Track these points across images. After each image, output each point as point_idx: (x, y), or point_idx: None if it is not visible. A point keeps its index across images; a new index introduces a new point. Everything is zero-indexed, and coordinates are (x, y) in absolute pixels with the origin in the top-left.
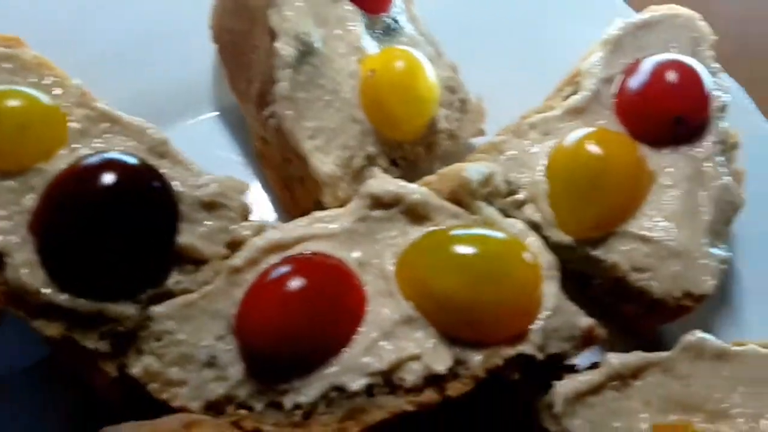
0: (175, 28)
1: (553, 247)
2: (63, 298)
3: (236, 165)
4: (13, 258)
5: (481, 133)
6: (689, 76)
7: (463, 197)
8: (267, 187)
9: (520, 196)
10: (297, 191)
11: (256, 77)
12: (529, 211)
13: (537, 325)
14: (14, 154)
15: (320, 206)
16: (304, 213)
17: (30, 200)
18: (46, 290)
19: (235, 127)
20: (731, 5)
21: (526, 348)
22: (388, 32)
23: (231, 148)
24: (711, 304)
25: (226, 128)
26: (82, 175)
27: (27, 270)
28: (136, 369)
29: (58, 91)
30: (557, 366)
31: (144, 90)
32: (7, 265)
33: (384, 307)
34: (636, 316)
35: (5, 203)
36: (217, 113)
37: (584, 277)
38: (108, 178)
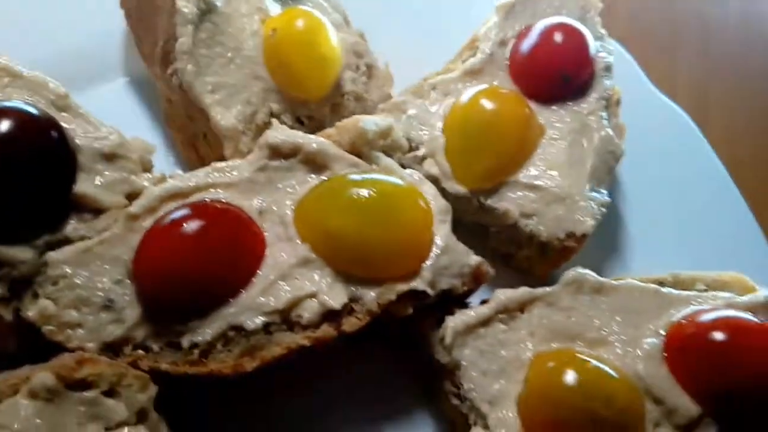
0: None
1: (451, 198)
2: None
3: (145, 129)
4: None
5: (389, 97)
6: (575, 37)
7: (361, 148)
8: (175, 150)
9: (420, 151)
10: (201, 149)
11: (161, 37)
12: (428, 165)
13: (428, 263)
14: None
15: None
16: None
17: None
18: None
19: (144, 94)
20: None
21: (417, 284)
22: None
23: (140, 113)
24: (596, 248)
25: (135, 95)
26: None
27: None
28: (31, 312)
29: None
30: (449, 302)
31: (53, 55)
32: None
33: (282, 251)
34: (530, 261)
35: None
36: (127, 79)
37: (482, 228)
38: (4, 124)
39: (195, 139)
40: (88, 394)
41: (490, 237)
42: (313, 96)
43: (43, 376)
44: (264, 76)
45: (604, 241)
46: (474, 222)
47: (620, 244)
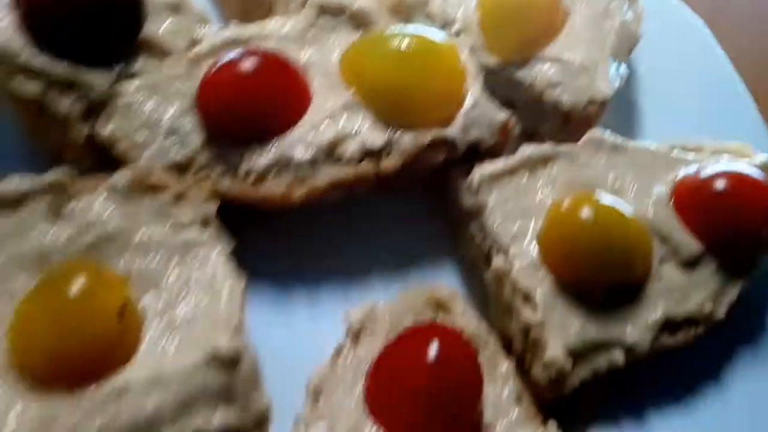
0: None
1: (484, 71)
2: (41, 60)
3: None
4: None
5: None
6: None
7: (402, 10)
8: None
9: (455, 27)
10: (255, 13)
11: None
12: (463, 38)
13: (460, 113)
14: None
15: None
16: None
17: None
18: (24, 52)
19: None
20: None
21: (450, 131)
22: None
23: None
24: (612, 122)
25: None
26: None
27: (6, 33)
28: (105, 131)
29: None
30: (481, 155)
31: None
32: None
33: (328, 97)
34: (553, 134)
35: None
36: None
37: (511, 104)
38: None
39: (246, 4)
40: (161, 197)
41: (517, 114)
42: None
43: (123, 175)
44: None
45: (620, 118)
46: (502, 98)
47: (634, 122)
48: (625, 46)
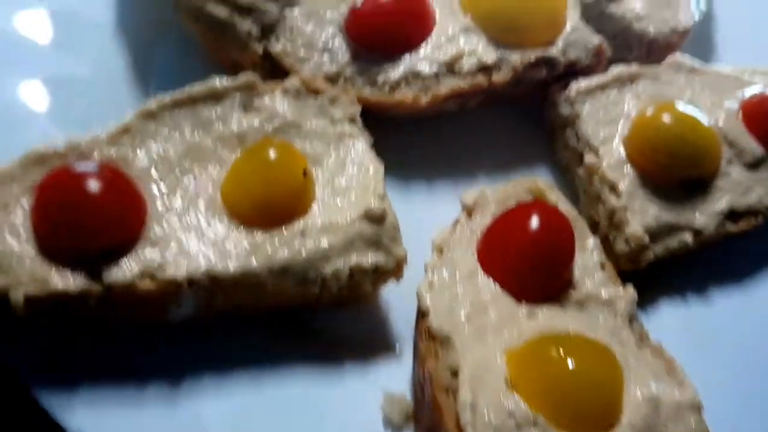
0: None
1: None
2: None
3: None
4: None
5: None
6: None
7: None
8: None
9: None
10: None
11: None
12: None
13: (561, 36)
14: None
15: None
16: None
17: None
18: None
19: None
20: None
21: (551, 51)
22: None
23: None
24: (693, 47)
25: None
26: None
27: None
28: (276, 48)
29: None
30: (576, 74)
31: None
32: None
33: (449, 20)
34: (640, 62)
35: None
36: None
37: (600, 34)
38: None
39: None
40: (321, 98)
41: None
42: None
43: (293, 79)
44: None
45: (698, 46)
46: (593, 30)
47: (710, 49)
48: None
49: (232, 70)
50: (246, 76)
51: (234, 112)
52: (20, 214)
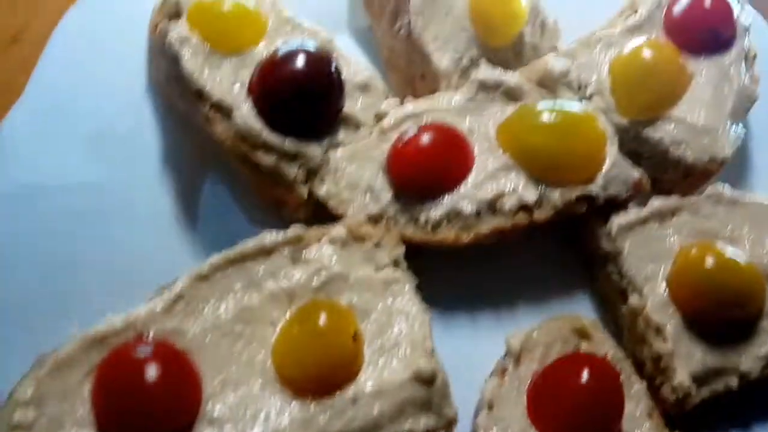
0: None
1: (614, 129)
2: (274, 138)
3: None
4: (240, 110)
5: (555, 49)
6: (722, 2)
7: (547, 83)
8: (391, 87)
9: (589, 90)
10: (418, 86)
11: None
12: (596, 101)
13: (601, 172)
14: (233, 41)
15: None
16: None
17: (245, 74)
18: (263, 133)
19: (362, 44)
20: None
21: (592, 189)
22: None
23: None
24: (729, 174)
25: (356, 45)
26: (285, 56)
27: (249, 118)
28: (321, 191)
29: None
30: (615, 205)
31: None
32: (235, 116)
33: (488, 159)
34: (674, 183)
35: (228, 75)
36: (348, 33)
37: (635, 156)
38: (302, 58)
39: (412, 79)
40: (366, 245)
41: (642, 163)
42: (503, 43)
43: (339, 229)
44: (468, 28)
45: (736, 170)
46: (629, 150)
47: (748, 174)
48: (743, 107)
49: (277, 205)
50: (294, 230)
51: (283, 267)
52: (81, 402)
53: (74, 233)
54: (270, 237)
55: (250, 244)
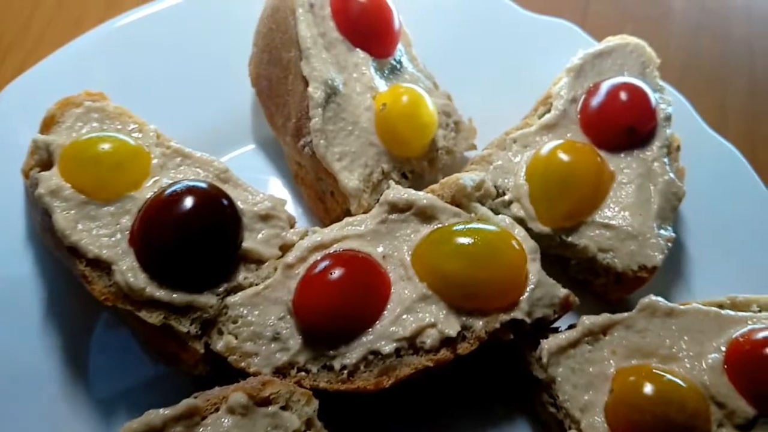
0: (218, 76)
1: (535, 236)
2: (161, 293)
3: (275, 187)
4: (119, 265)
5: (473, 147)
6: (638, 94)
7: (460, 200)
8: (301, 201)
9: (507, 197)
10: (328, 203)
11: (293, 115)
12: (515, 208)
13: (525, 296)
14: (111, 186)
15: (348, 213)
16: (335, 220)
17: (127, 221)
18: (148, 288)
19: (270, 156)
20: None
21: (517, 314)
22: (393, 72)
23: (269, 171)
24: (664, 275)
25: (264, 157)
26: (168, 200)
27: (131, 274)
28: (219, 346)
29: (138, 134)
30: (543, 328)
31: (195, 128)
32: (115, 272)
33: (405, 289)
34: (606, 288)
35: (107, 225)
36: (253, 146)
37: (563, 259)
38: (188, 200)
39: (323, 194)
40: (271, 408)
41: (570, 267)
42: (415, 154)
43: (238, 395)
44: (376, 143)
45: (670, 270)
46: (555, 254)
47: (684, 272)
48: (670, 206)
49: (172, 361)
50: (185, 403)
51: None
52: None
53: None
54: (158, 415)
55: (135, 425)
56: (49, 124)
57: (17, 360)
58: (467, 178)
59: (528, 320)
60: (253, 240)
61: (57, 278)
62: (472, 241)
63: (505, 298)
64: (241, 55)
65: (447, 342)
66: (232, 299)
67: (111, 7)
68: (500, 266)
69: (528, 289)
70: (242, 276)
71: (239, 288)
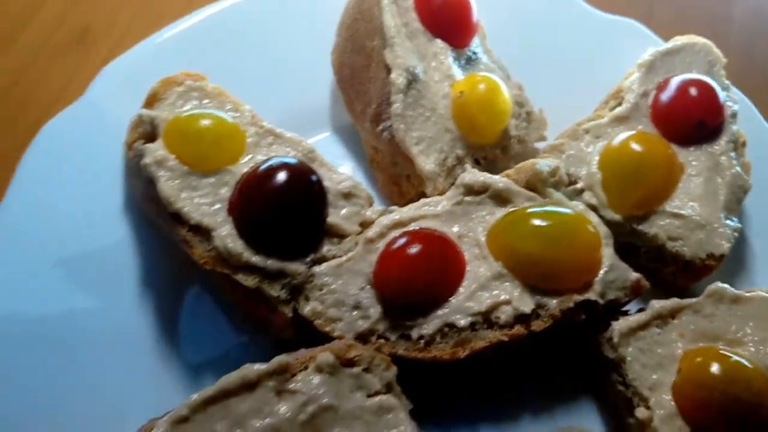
0: (301, 66)
1: (607, 224)
2: (256, 259)
3: (349, 171)
4: (218, 232)
5: (543, 138)
6: (707, 89)
7: (535, 185)
8: (375, 185)
9: (579, 185)
10: (404, 186)
11: (374, 101)
12: (587, 196)
13: (598, 278)
14: (211, 160)
15: (422, 196)
16: (409, 203)
17: (225, 192)
18: (244, 254)
19: (345, 143)
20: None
21: (590, 295)
22: (469, 62)
23: (344, 157)
24: (729, 265)
25: (339, 143)
26: (264, 174)
27: (229, 240)
28: (306, 310)
29: (235, 113)
30: (614, 310)
31: (279, 113)
32: (215, 238)
33: (480, 267)
34: (674, 275)
35: (207, 194)
36: (329, 133)
37: (632, 247)
38: (282, 175)
39: (398, 178)
40: (355, 370)
41: (640, 255)
42: (489, 141)
43: (326, 355)
44: (452, 129)
45: (734, 260)
46: (625, 242)
47: (747, 263)
48: (736, 198)
49: (261, 325)
50: (277, 360)
51: (268, 402)
52: None
53: (47, 362)
54: (253, 369)
55: (232, 377)
56: (152, 101)
57: (115, 324)
58: (543, 163)
59: (601, 301)
60: (336, 216)
61: (154, 245)
62: (549, 222)
63: (579, 279)
64: (323, 46)
65: (521, 318)
66: (318, 269)
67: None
68: (576, 248)
69: (602, 271)
70: (326, 248)
71: (324, 259)
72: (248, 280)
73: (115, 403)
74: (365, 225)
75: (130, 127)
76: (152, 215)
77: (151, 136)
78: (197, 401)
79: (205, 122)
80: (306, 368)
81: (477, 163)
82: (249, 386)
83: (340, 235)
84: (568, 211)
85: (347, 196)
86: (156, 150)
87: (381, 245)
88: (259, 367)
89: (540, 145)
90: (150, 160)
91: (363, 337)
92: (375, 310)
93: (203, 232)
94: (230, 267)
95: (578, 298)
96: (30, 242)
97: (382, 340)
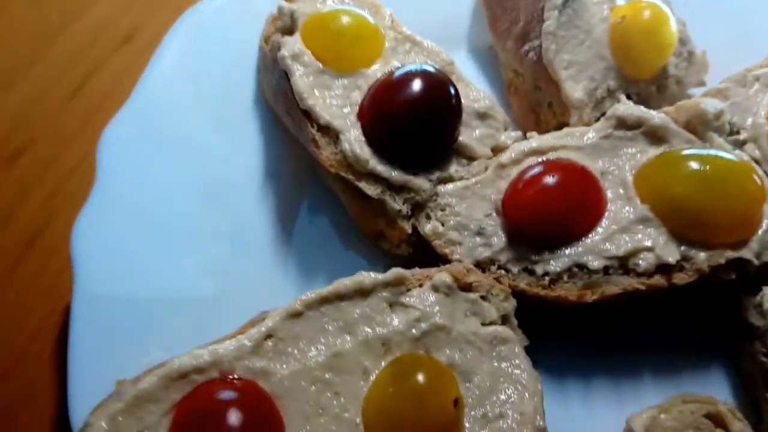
0: None
1: None
2: (382, 168)
3: None
4: (347, 136)
5: (702, 83)
6: None
7: (696, 126)
8: (510, 112)
9: (742, 136)
10: (543, 114)
11: (522, 18)
12: (750, 149)
13: (756, 235)
14: (347, 59)
15: (563, 126)
16: (547, 133)
17: (357, 96)
18: (371, 161)
19: (480, 65)
20: None
21: (745, 253)
22: None
23: (478, 80)
24: None
25: (473, 65)
26: (401, 80)
27: (357, 145)
28: (426, 228)
29: (375, 15)
30: (764, 274)
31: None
32: (342, 141)
33: (623, 208)
34: None
35: (339, 96)
36: (464, 52)
37: None
38: (419, 82)
39: (538, 105)
40: (472, 295)
41: None
42: (646, 76)
43: (443, 275)
44: (607, 57)
45: None
46: None
47: None
48: None
49: (376, 237)
50: (394, 271)
51: (380, 311)
52: None
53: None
54: (369, 278)
55: (347, 282)
56: None
57: (235, 222)
58: (709, 103)
59: (756, 261)
60: (469, 136)
61: (277, 144)
62: (710, 168)
63: (734, 233)
64: None
65: (663, 269)
66: (443, 188)
67: None
68: (737, 198)
69: (761, 229)
70: (454, 168)
71: (450, 179)
72: (371, 189)
73: (217, 297)
74: (497, 150)
75: (268, 21)
76: (281, 112)
77: (288, 31)
78: (312, 298)
79: (347, 20)
80: (421, 285)
81: (628, 99)
82: (363, 293)
83: (469, 157)
84: (732, 157)
85: (483, 116)
86: (294, 43)
87: (514, 172)
88: (375, 275)
89: (697, 91)
90: (286, 53)
91: (482, 266)
92: (499, 239)
93: (331, 133)
94: (355, 173)
95: (731, 254)
96: (154, 140)
97: (502, 271)
